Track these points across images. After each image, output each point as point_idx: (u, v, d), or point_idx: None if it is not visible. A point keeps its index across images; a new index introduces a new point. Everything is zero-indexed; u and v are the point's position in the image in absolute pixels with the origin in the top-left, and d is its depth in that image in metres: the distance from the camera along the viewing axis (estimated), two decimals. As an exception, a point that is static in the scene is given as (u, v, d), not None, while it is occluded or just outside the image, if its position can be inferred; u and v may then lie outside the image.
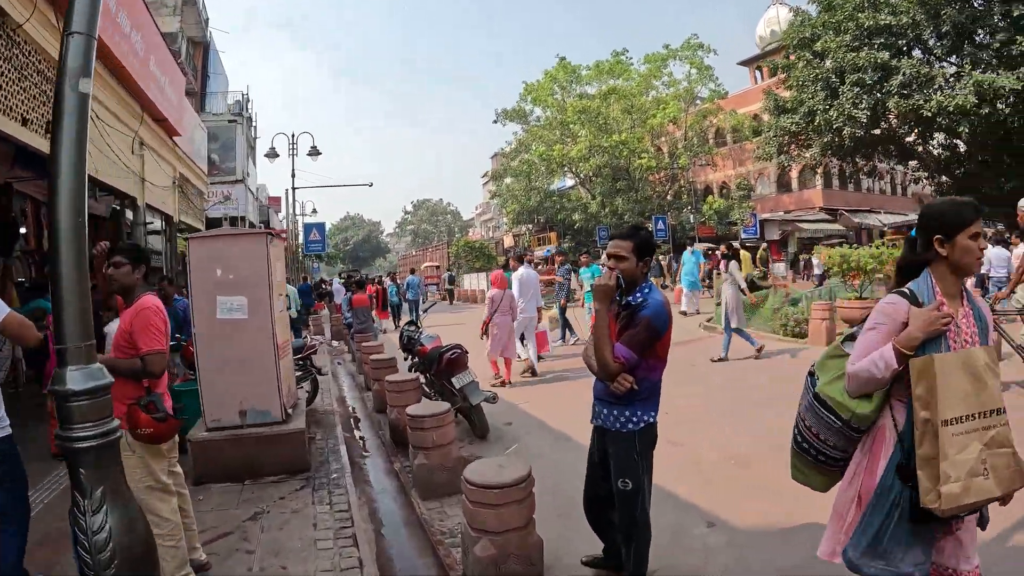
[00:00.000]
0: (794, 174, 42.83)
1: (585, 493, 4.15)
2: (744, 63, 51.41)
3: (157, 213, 15.46)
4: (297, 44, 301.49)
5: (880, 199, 46.90)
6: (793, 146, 29.89)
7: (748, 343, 11.86)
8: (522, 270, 11.90)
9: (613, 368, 3.54)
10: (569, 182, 51.71)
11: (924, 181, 31.32)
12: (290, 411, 6.90)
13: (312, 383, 9.94)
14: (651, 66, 44.20)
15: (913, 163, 30.57)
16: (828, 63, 25.07)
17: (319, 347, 10.80)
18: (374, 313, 20.22)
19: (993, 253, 14.91)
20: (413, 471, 6.22)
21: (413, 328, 10.29)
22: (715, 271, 19.20)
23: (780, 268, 37.94)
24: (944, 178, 28.98)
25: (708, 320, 16.51)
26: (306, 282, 29.41)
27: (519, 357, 12.04)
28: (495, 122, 50.21)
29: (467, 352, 8.48)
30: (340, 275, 41.50)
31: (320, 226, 33.84)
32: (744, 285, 11.86)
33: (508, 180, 50.94)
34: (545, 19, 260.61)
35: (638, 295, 3.71)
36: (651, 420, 3.75)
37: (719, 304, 12.22)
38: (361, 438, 8.88)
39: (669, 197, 46.07)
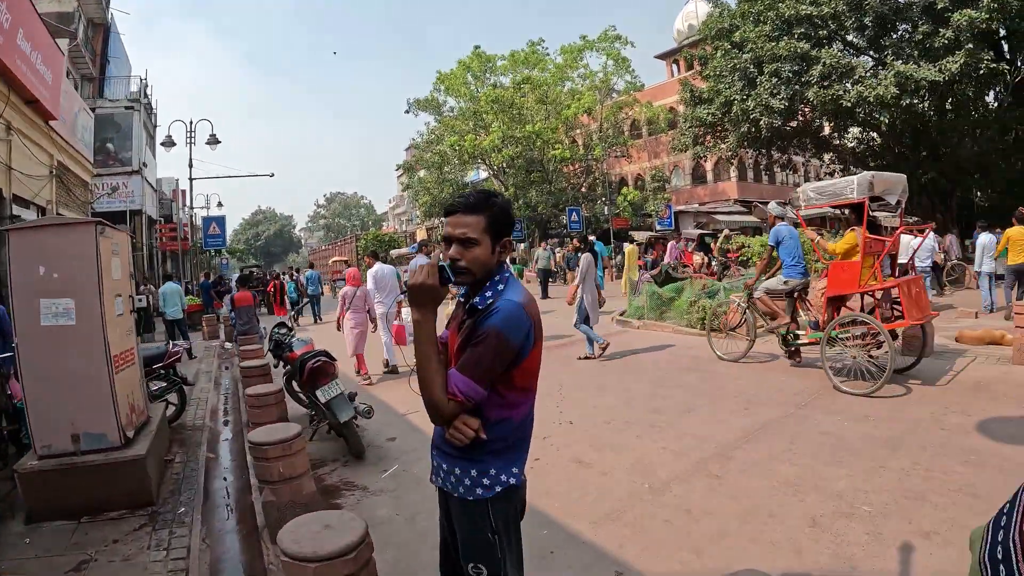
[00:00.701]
0: (709, 166, 42.78)
1: (440, 567, 2.85)
2: (661, 56, 50.99)
3: (31, 206, 14.21)
4: (208, 31, 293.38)
5: (794, 191, 47.11)
6: (709, 137, 29.51)
7: (589, 342, 11.34)
8: (377, 266, 11.83)
9: (445, 409, 2.34)
10: (484, 174, 50.80)
11: (839, 174, 31.38)
12: (129, 434, 5.81)
13: (179, 395, 8.87)
14: (567, 56, 43.73)
15: (829, 155, 30.49)
16: (746, 53, 24.53)
17: (183, 351, 9.54)
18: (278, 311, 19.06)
19: (923, 243, 14.56)
20: (263, 509, 5.07)
21: (284, 331, 8.99)
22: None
23: (696, 259, 37.70)
24: (860, 170, 28.99)
25: (621, 314, 15.71)
26: (207, 279, 27.94)
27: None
28: (407, 112, 49.55)
29: (335, 360, 7.34)
30: (241, 271, 39.76)
31: (220, 219, 32.10)
32: (578, 280, 11.09)
33: (422, 173, 50.07)
34: (464, 7, 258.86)
35: (488, 294, 2.45)
36: (513, 481, 2.47)
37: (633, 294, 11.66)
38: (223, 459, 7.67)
39: (584, 189, 45.70)
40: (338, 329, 11.37)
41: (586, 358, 11.19)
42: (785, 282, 9.40)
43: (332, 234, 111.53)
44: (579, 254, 11.54)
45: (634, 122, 45.96)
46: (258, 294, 31.00)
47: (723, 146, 29.49)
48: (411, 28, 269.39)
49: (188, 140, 28.98)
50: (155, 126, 33.65)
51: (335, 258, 61.08)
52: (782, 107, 23.29)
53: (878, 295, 8.85)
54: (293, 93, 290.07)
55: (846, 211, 8.94)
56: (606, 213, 41.84)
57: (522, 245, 42.75)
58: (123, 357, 6.01)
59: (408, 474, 6.21)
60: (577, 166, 45.41)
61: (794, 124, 26.62)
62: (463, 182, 49.23)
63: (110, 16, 31.58)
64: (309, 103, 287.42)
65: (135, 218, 27.75)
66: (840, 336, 8.33)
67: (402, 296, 10.45)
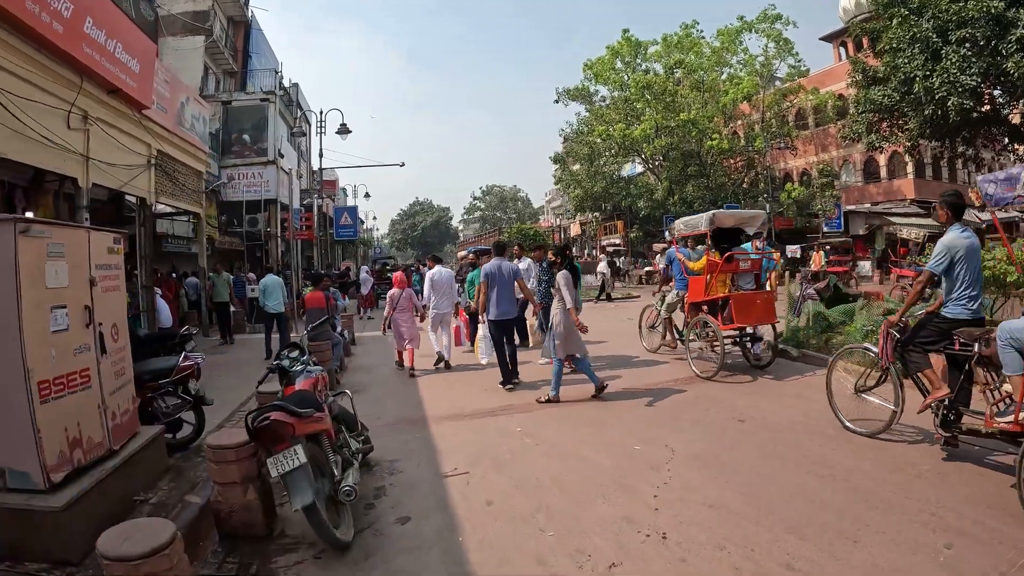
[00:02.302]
0: (882, 160, 38.46)
1: None
2: (826, 38, 46.67)
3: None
4: (363, 26, 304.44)
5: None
6: (885, 124, 25.70)
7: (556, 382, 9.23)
8: (436, 269, 12.73)
9: None
10: (639, 167, 48.49)
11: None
12: (57, 478, 4.68)
13: (196, 414, 7.70)
14: (724, 39, 41.00)
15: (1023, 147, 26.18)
16: (927, 20, 20.91)
17: (197, 365, 7.79)
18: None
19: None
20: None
21: (295, 354, 6.65)
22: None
23: (865, 267, 33.77)
24: (1066, 164, 24.68)
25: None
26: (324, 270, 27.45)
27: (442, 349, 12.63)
28: (556, 102, 48.63)
29: (300, 416, 4.69)
30: (374, 263, 39.09)
31: (352, 210, 31.96)
32: (571, 303, 8.94)
33: (576, 167, 49.03)
34: None
35: None
36: None
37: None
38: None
39: (745, 184, 42.41)
40: (384, 332, 12.54)
41: (547, 401, 9.01)
42: (677, 293, 12.06)
43: (488, 226, 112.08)
44: (553, 269, 10.39)
45: (799, 111, 42.43)
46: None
47: (901, 135, 25.64)
48: (566, 19, 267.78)
49: (319, 131, 29.53)
50: (294, 117, 34.93)
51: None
52: (974, 84, 19.62)
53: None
54: (452, 88, 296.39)
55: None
56: (768, 211, 38.62)
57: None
58: (61, 381, 4.88)
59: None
60: (737, 159, 42.39)
61: (984, 109, 22.66)
62: (618, 175, 47.47)
63: (250, 13, 33.73)
64: (469, 97, 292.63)
65: (270, 207, 29.05)
66: (699, 333, 10.90)
67: (459, 299, 13.96)
